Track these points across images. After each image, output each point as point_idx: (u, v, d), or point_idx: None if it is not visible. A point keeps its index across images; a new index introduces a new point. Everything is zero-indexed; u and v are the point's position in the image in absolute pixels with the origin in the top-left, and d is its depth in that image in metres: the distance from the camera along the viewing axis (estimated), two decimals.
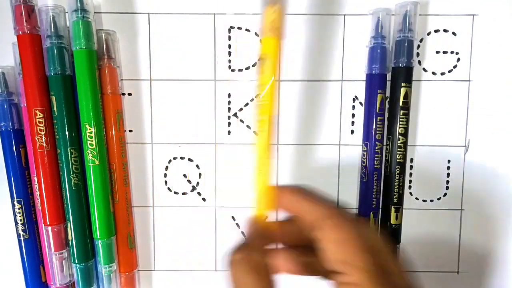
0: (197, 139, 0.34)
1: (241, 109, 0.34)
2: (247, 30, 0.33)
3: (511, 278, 0.35)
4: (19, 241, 0.33)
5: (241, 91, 0.34)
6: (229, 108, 0.34)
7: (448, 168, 0.34)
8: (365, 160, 0.32)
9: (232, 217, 0.35)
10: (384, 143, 0.33)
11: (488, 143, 0.34)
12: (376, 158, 0.32)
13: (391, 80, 0.32)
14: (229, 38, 0.34)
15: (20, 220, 0.33)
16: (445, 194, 0.35)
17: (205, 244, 0.35)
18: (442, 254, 0.35)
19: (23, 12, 0.30)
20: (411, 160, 0.34)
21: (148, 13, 0.33)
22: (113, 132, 0.32)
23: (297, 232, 0.25)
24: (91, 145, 0.31)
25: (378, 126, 0.32)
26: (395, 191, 0.33)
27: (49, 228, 0.32)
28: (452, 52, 0.33)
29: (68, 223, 0.31)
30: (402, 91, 0.32)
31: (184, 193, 0.35)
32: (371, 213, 0.33)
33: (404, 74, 0.32)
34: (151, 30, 0.33)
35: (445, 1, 0.32)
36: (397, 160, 0.32)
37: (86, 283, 0.32)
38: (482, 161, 0.34)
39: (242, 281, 0.24)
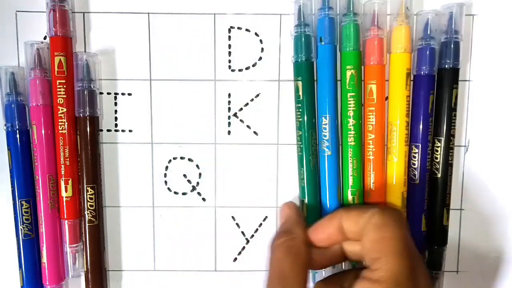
0: (197, 139, 0.34)
1: (241, 109, 0.34)
2: (247, 30, 0.33)
3: (511, 278, 0.35)
4: (23, 241, 0.33)
5: (241, 91, 0.34)
6: (229, 108, 0.34)
7: None
8: (416, 162, 0.32)
9: (232, 217, 0.35)
10: (434, 145, 0.33)
11: (488, 143, 0.34)
12: (427, 160, 0.32)
13: (437, 82, 0.32)
14: (229, 38, 0.34)
15: (27, 220, 0.33)
16: None
17: (205, 244, 0.35)
18: None
19: (57, 15, 0.31)
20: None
21: (148, 13, 0.33)
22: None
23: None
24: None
25: (430, 127, 0.32)
26: (447, 192, 0.33)
27: (66, 221, 0.33)
28: None
29: None
30: (454, 92, 0.32)
31: (184, 193, 0.35)
32: (423, 215, 0.33)
33: (452, 76, 0.32)
34: (151, 30, 0.33)
35: (445, 1, 0.32)
36: (449, 162, 0.33)
37: None
38: (482, 161, 0.34)
39: (279, 262, 0.24)
